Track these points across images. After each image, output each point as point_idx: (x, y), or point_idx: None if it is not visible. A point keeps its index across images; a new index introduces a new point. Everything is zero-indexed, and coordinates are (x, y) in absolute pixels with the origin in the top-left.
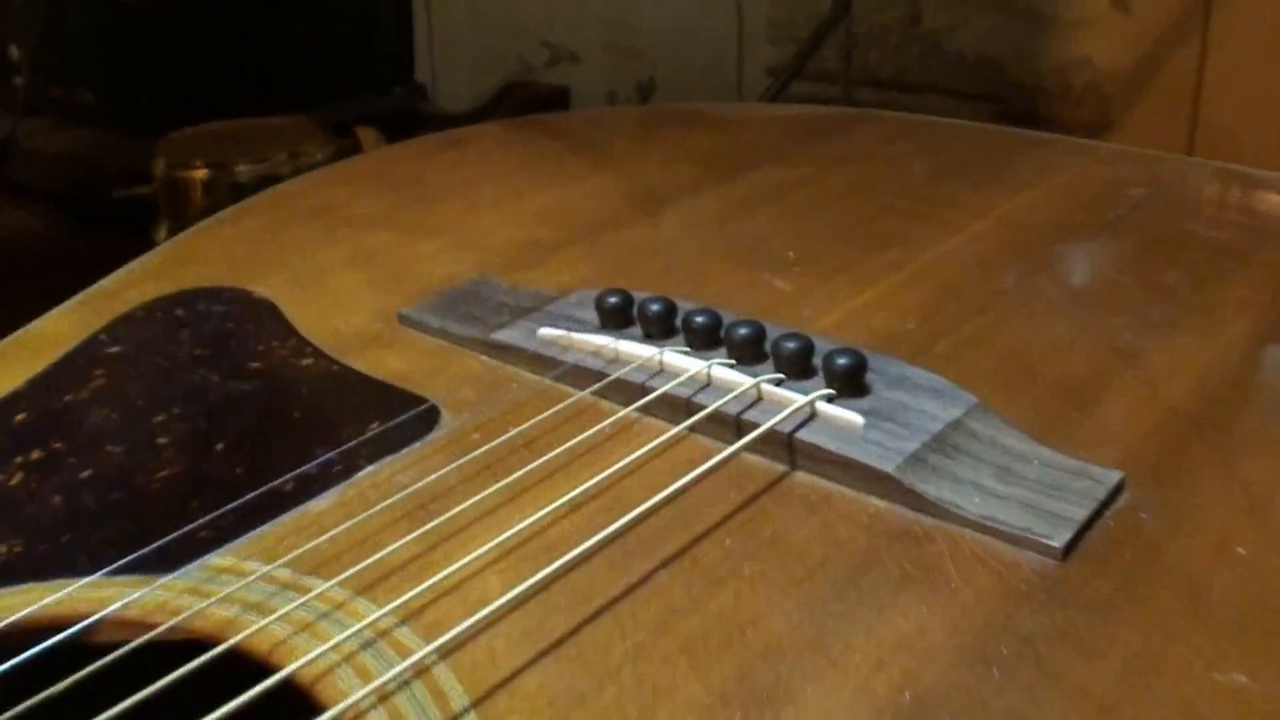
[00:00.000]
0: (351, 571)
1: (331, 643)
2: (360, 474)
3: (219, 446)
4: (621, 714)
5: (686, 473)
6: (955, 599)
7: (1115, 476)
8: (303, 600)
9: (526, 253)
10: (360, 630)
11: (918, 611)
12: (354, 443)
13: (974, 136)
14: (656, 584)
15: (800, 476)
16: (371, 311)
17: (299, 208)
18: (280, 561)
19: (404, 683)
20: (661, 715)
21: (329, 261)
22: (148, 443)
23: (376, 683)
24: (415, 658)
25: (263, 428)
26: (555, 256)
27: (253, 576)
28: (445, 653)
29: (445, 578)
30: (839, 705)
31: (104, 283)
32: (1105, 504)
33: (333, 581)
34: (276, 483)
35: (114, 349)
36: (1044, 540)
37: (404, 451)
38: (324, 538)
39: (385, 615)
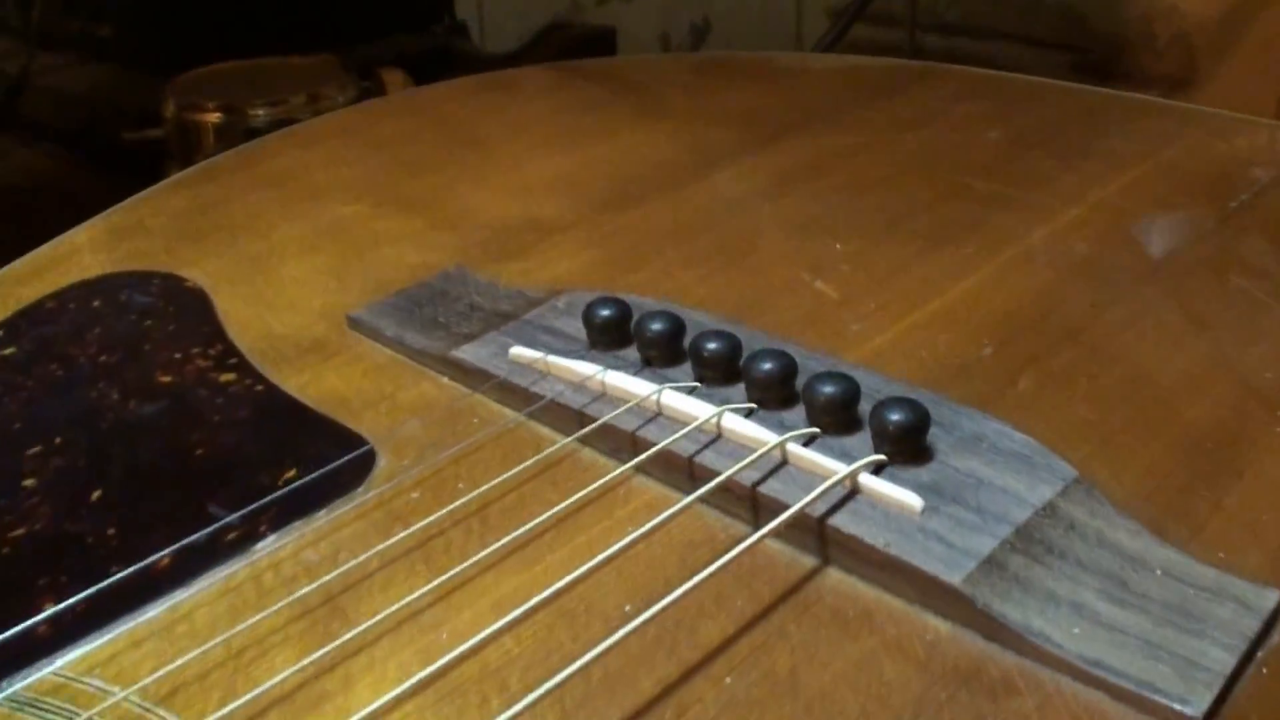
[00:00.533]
0: (220, 715)
1: None
2: (260, 547)
3: (95, 495)
4: None
5: (680, 572)
6: None
7: (1273, 598)
8: None
9: (520, 235)
10: None
11: None
12: (259, 503)
13: (1060, 98)
14: None
15: (833, 576)
16: (318, 310)
17: (267, 171)
18: (131, 687)
19: None
20: None
21: (283, 241)
22: (10, 486)
23: None
24: None
25: (154, 470)
26: (552, 241)
27: (85, 717)
28: None
29: None
30: None
31: (28, 258)
32: (1258, 641)
33: None
34: (152, 559)
35: (7, 350)
36: (1176, 707)
37: (320, 515)
38: (192, 653)
39: None
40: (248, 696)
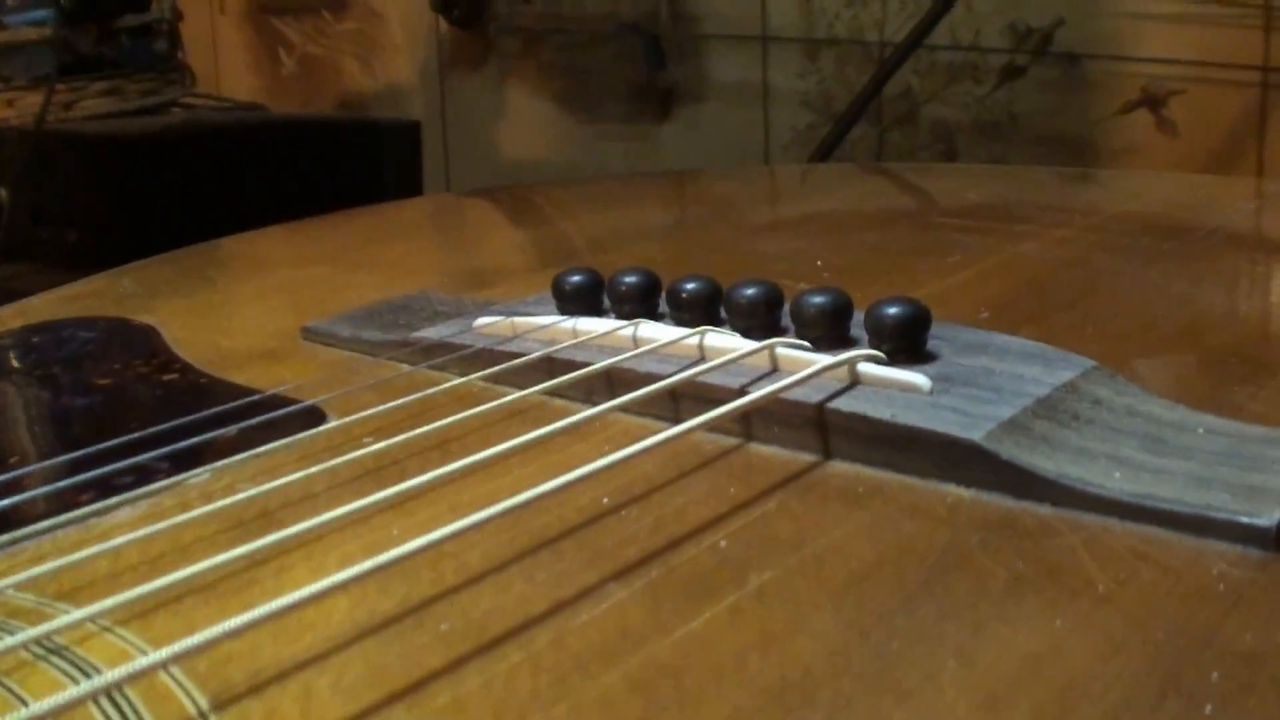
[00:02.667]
0: (125, 597)
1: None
2: (192, 479)
3: (13, 460)
4: None
5: (664, 474)
6: (1108, 608)
7: None
8: (31, 634)
9: (487, 276)
10: (106, 681)
11: (1047, 626)
12: (191, 441)
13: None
14: (599, 602)
15: (837, 466)
16: (272, 331)
17: (230, 251)
18: (13, 580)
19: None
20: None
21: (240, 294)
22: None
23: None
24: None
25: (82, 441)
26: (520, 278)
27: None
28: (222, 704)
29: (273, 605)
30: None
31: None
32: None
33: (89, 610)
34: (68, 482)
35: None
36: (1245, 520)
37: (261, 451)
38: (100, 554)
39: (154, 658)
40: (159, 583)
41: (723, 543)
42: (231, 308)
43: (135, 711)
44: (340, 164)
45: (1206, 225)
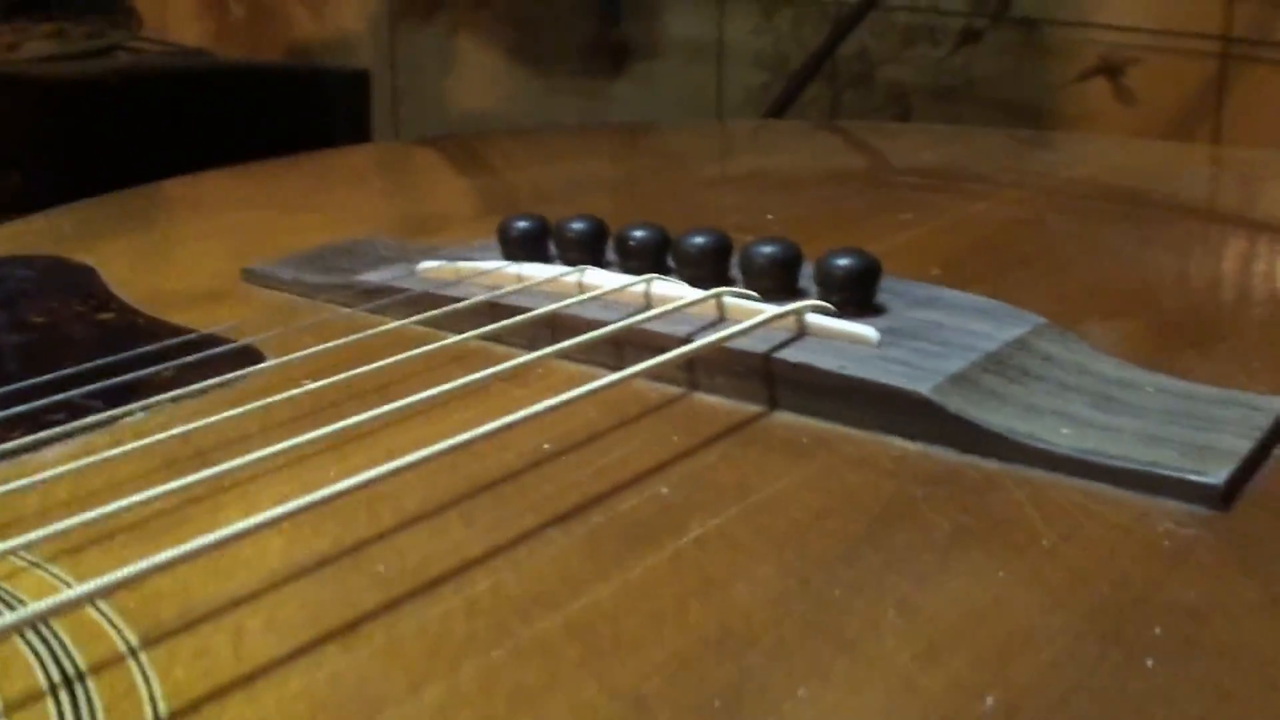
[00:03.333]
0: (49, 530)
1: None
2: (126, 417)
3: None
4: None
5: (607, 421)
6: (1052, 562)
7: None
8: None
9: (431, 222)
10: (31, 613)
11: (989, 578)
12: (125, 378)
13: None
14: (538, 547)
15: (782, 416)
16: (212, 273)
17: (166, 196)
18: None
19: (70, 680)
20: None
21: (182, 235)
22: None
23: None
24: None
25: (12, 375)
26: (465, 227)
27: None
28: (151, 641)
29: (204, 539)
30: (864, 715)
31: None
32: (1273, 437)
33: (14, 542)
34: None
35: None
36: (1193, 478)
37: (196, 389)
38: (28, 490)
39: (81, 590)
40: (86, 515)
41: (665, 490)
42: (172, 249)
43: (64, 648)
44: (287, 112)
45: (1161, 190)
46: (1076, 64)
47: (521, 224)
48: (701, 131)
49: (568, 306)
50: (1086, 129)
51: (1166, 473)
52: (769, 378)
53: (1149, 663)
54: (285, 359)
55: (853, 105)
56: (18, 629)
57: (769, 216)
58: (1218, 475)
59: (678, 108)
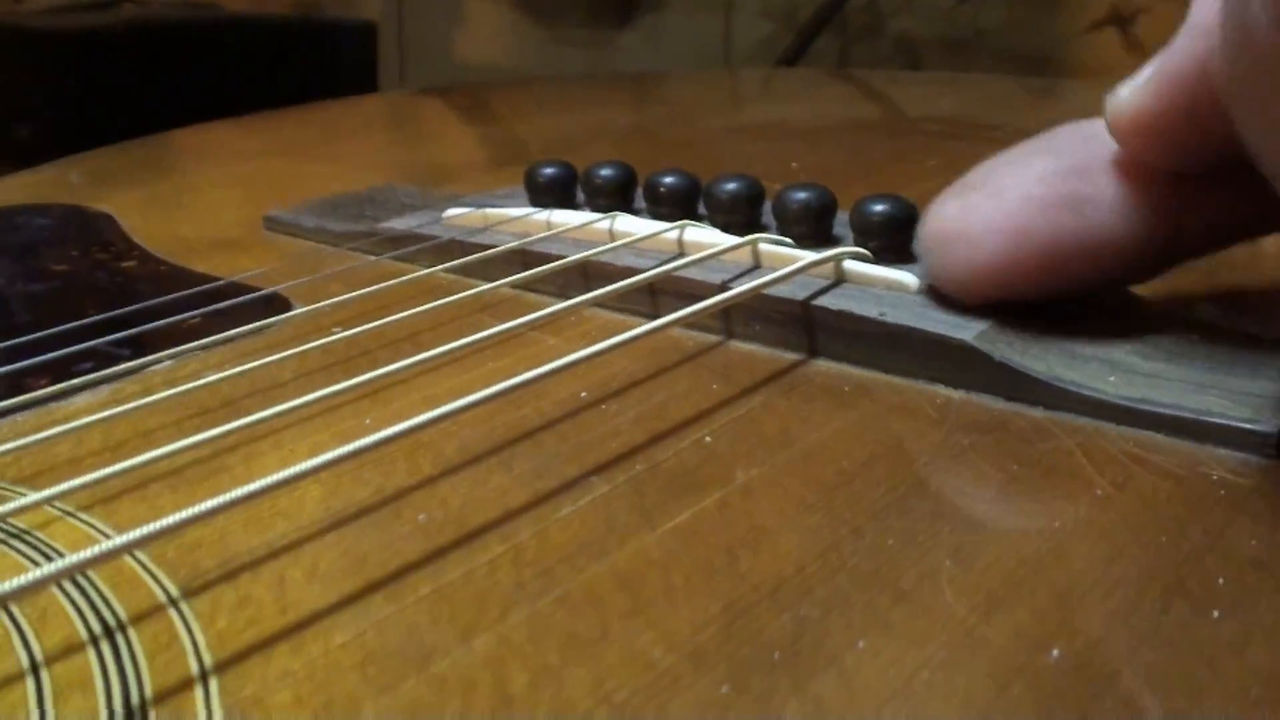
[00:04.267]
0: (88, 478)
1: (13, 584)
2: (154, 365)
3: None
4: (497, 683)
5: (646, 370)
6: (1107, 511)
7: None
8: None
9: (452, 171)
10: (71, 564)
11: (1046, 528)
12: (150, 325)
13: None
14: (581, 496)
15: (821, 364)
16: (231, 220)
17: (177, 145)
18: None
19: (110, 630)
20: (573, 685)
21: (200, 182)
22: None
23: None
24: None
25: (35, 324)
26: (484, 174)
27: None
28: (192, 591)
29: (245, 489)
30: (927, 667)
31: None
32: None
33: (49, 491)
34: (22, 364)
35: None
36: (1246, 425)
37: (225, 337)
38: (59, 438)
39: (120, 540)
40: (122, 465)
41: (707, 438)
42: (188, 197)
43: (103, 598)
44: (294, 64)
45: None
46: (1086, 14)
47: (549, 170)
48: (713, 80)
49: (600, 254)
50: (1096, 79)
51: (1219, 421)
52: (808, 325)
53: (1215, 614)
54: (314, 306)
55: (861, 56)
56: (59, 578)
57: (793, 164)
58: (1271, 423)
59: (685, 59)
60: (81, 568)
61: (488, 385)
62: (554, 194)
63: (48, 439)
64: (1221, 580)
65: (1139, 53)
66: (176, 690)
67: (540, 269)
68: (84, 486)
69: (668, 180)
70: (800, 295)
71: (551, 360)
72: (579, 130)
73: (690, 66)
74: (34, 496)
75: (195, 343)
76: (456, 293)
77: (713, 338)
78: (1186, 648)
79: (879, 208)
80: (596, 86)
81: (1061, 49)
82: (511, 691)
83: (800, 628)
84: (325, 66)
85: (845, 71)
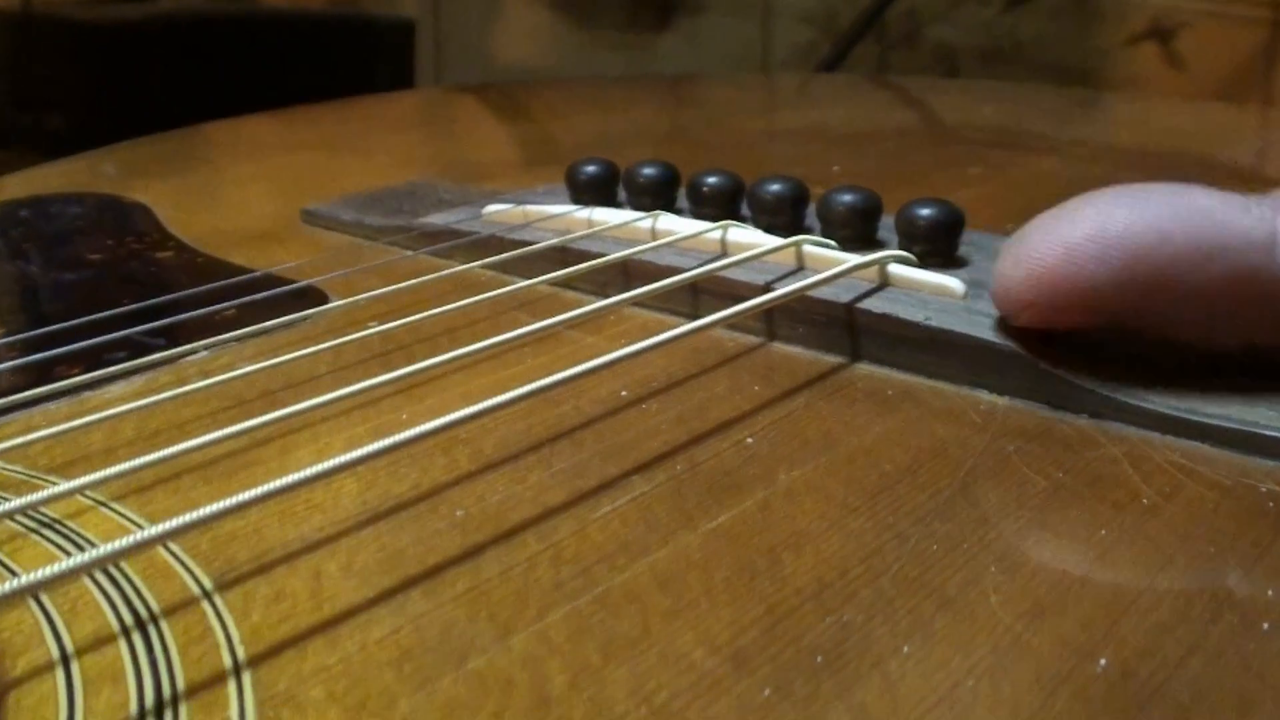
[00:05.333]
0: (121, 468)
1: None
2: (189, 356)
3: None
4: (535, 683)
5: (685, 370)
6: (1154, 521)
7: None
8: (19, 504)
9: (490, 169)
10: (103, 554)
11: (1091, 536)
12: (185, 315)
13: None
14: (621, 495)
15: (864, 368)
16: (268, 213)
17: (211, 137)
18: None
19: (142, 622)
20: (613, 686)
21: (233, 176)
22: None
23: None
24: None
25: (70, 312)
26: (526, 172)
27: None
28: (226, 584)
29: (281, 481)
30: (973, 675)
31: None
32: None
33: (81, 481)
34: (56, 352)
35: None
36: None
37: (261, 329)
38: (92, 427)
39: (153, 531)
40: (156, 455)
41: (749, 440)
42: (224, 189)
43: (136, 590)
44: (330, 61)
45: (1232, 153)
46: (1126, 28)
47: (591, 168)
48: (751, 84)
49: (641, 252)
50: (1134, 93)
51: (1267, 433)
52: (851, 328)
53: (1265, 626)
54: (351, 300)
55: (900, 64)
56: (92, 568)
57: (835, 168)
58: None
59: (723, 64)
60: (114, 558)
61: (525, 383)
62: (595, 192)
63: (80, 428)
64: (1271, 593)
65: (1179, 67)
66: (209, 684)
67: (580, 266)
68: (117, 476)
69: (712, 180)
70: (844, 298)
71: (590, 359)
72: (616, 130)
73: (728, 70)
74: (66, 485)
75: (230, 334)
76: (495, 289)
77: (755, 339)
78: (1235, 660)
79: (925, 212)
80: (633, 87)
81: (1101, 61)
82: (550, 691)
83: (844, 632)
84: (362, 64)
85: (885, 78)
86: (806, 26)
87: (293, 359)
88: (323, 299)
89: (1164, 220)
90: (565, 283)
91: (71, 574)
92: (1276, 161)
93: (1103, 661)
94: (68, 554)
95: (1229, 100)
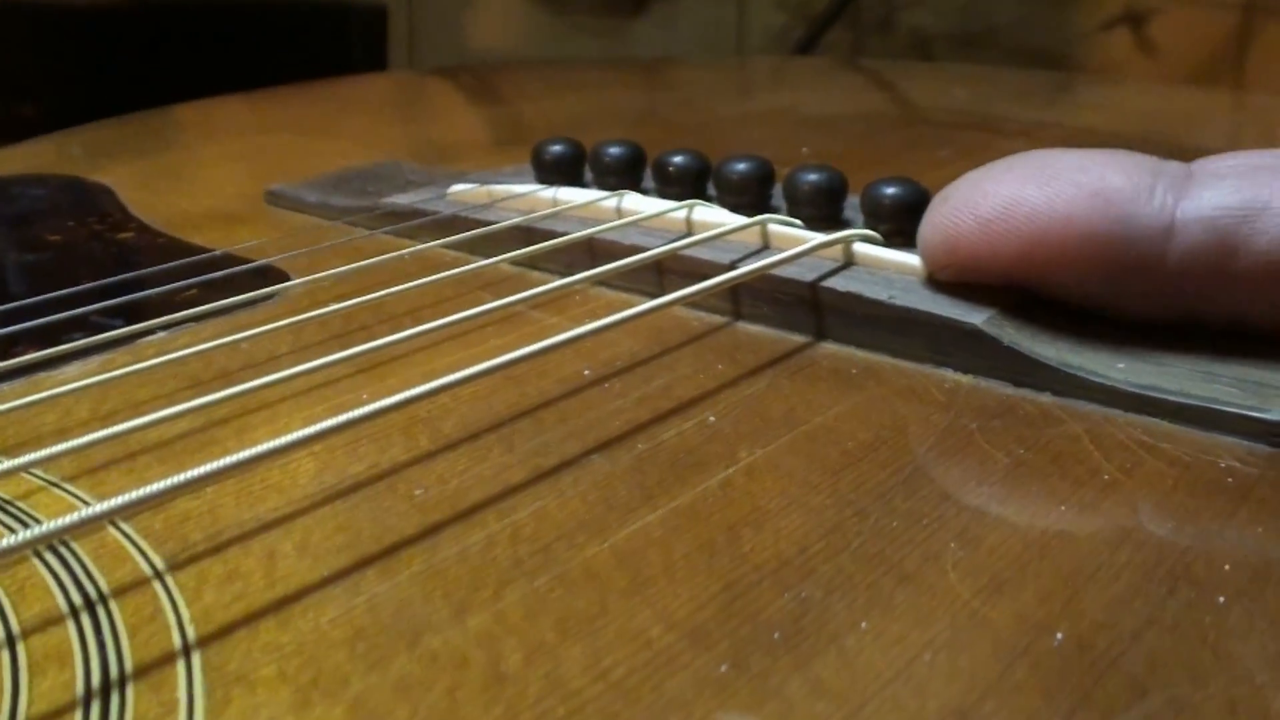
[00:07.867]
0: (69, 445)
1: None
2: (147, 336)
3: None
4: (490, 660)
5: (649, 350)
6: (1113, 496)
7: None
8: None
9: (456, 150)
10: (47, 530)
11: (1051, 512)
12: (143, 294)
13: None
14: (582, 474)
15: (828, 347)
16: (233, 194)
17: (179, 119)
18: None
19: (91, 603)
20: (569, 663)
21: (199, 157)
22: None
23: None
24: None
25: (28, 293)
26: (487, 154)
27: None
28: (178, 564)
29: (232, 458)
30: (930, 649)
31: None
32: None
33: (28, 458)
34: (8, 330)
35: None
36: (1254, 415)
37: (220, 307)
38: (37, 397)
39: (100, 508)
40: (107, 432)
41: (711, 418)
42: (189, 171)
43: (86, 570)
44: (303, 46)
45: (1201, 135)
46: (1100, 12)
47: (556, 147)
48: (724, 67)
49: (606, 231)
50: (1107, 78)
51: (1226, 409)
52: (816, 307)
53: (1220, 599)
54: (311, 278)
55: (874, 48)
56: (35, 545)
57: (804, 150)
58: (1279, 412)
59: (698, 48)
60: (58, 534)
61: (489, 358)
62: (561, 172)
63: (33, 406)
64: (1227, 566)
65: (1151, 52)
66: (157, 664)
67: (544, 244)
68: (66, 453)
69: (677, 160)
70: (809, 277)
71: (547, 334)
72: (588, 112)
73: (703, 55)
74: (9, 463)
75: (189, 311)
76: (458, 268)
77: (719, 318)
78: (1191, 632)
79: (890, 191)
80: (606, 70)
81: (1074, 46)
82: (505, 669)
83: (802, 608)
84: (334, 49)
85: (857, 62)
86: (780, 11)
87: (252, 336)
88: (284, 278)
89: (1070, 205)
90: (530, 263)
91: (14, 551)
92: (1246, 145)
93: (1060, 635)
94: (14, 533)
95: (1201, 84)
